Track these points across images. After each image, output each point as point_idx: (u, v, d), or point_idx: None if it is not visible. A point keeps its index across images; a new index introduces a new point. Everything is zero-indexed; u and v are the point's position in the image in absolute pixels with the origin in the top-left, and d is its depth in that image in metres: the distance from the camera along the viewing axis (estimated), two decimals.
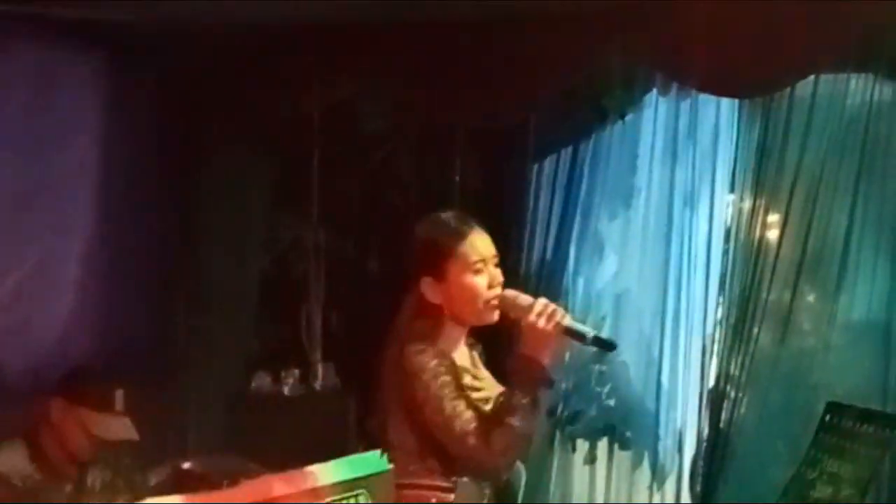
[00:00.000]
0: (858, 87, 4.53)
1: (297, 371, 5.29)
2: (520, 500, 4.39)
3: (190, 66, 4.92)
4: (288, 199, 5.48)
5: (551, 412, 5.10)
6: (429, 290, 2.79)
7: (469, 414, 2.71)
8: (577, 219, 5.05)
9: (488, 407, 2.78)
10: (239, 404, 5.28)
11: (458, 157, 5.12)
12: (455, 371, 2.77)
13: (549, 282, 5.00)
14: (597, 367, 5.08)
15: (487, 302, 2.80)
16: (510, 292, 2.81)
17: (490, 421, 2.72)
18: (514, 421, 2.70)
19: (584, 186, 5.02)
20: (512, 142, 5.08)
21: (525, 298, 2.78)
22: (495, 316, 2.82)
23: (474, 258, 2.79)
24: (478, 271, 2.79)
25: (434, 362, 2.73)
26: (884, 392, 4.50)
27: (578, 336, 2.78)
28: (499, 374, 2.96)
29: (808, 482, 3.88)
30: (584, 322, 4.94)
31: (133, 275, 4.98)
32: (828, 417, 4.00)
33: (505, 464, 2.75)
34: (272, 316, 5.46)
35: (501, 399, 2.77)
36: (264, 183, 5.48)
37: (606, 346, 3.10)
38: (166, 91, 5.00)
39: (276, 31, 4.85)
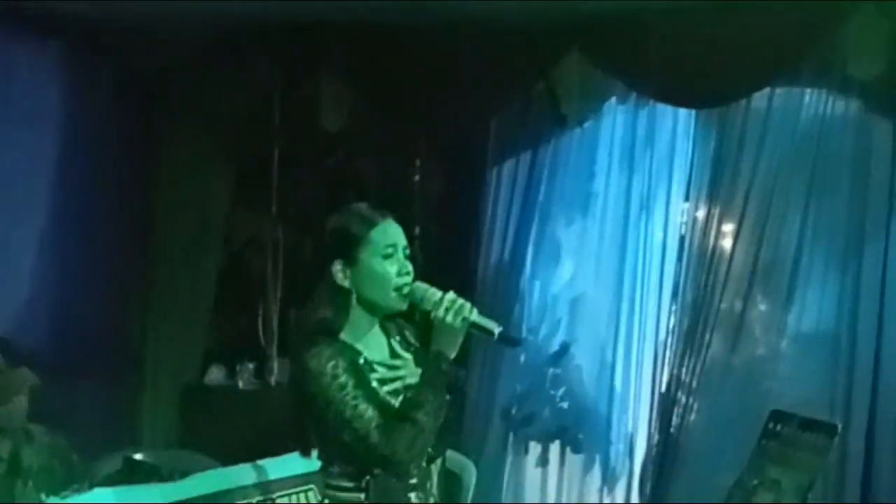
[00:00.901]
0: (812, 101, 4.60)
1: (252, 365, 5.32)
2: (470, 499, 4.47)
3: (149, 61, 4.93)
4: (247, 195, 5.50)
5: (505, 414, 5.15)
6: (339, 273, 2.82)
7: (370, 412, 2.71)
8: (535, 223, 5.09)
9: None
10: (193, 397, 5.30)
11: (418, 158, 5.17)
12: (356, 368, 2.79)
13: (505, 285, 5.05)
14: (551, 370, 5.13)
15: (398, 289, 2.83)
16: (421, 284, 2.83)
17: (396, 417, 2.75)
18: (419, 416, 2.71)
19: (542, 191, 5.07)
20: (472, 146, 5.13)
21: (434, 292, 2.79)
22: (404, 304, 2.85)
23: (385, 243, 2.83)
24: (388, 256, 2.82)
25: (331, 364, 2.72)
26: (831, 401, 4.57)
27: (486, 332, 2.81)
28: None
29: (750, 488, 3.93)
30: (539, 326, 5.13)
31: (90, 266, 4.98)
32: (771, 425, 4.06)
33: (410, 459, 2.77)
34: (229, 311, 5.47)
35: (408, 394, 2.80)
36: (223, 178, 5.47)
37: (512, 342, 3.13)
38: (125, 85, 5.00)
39: (238, 28, 4.86)
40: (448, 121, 4.91)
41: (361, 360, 2.80)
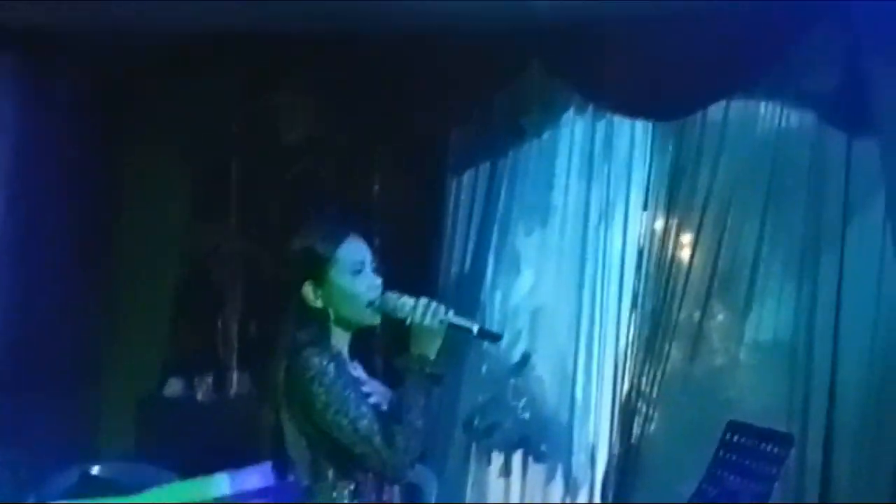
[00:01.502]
0: (768, 113, 4.67)
1: (210, 378, 5.30)
2: None
3: (108, 72, 4.91)
4: (207, 207, 5.48)
5: (467, 424, 5.16)
6: (310, 294, 2.86)
7: (372, 414, 2.78)
8: (495, 234, 5.10)
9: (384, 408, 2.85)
10: (151, 409, 5.28)
11: (377, 169, 5.18)
12: (349, 373, 2.84)
13: (466, 296, 5.06)
14: (513, 380, 5.14)
15: (370, 303, 2.87)
16: (392, 294, 2.87)
17: (391, 420, 2.79)
18: (412, 418, 2.77)
19: (501, 202, 5.08)
20: (432, 157, 5.13)
21: (407, 300, 2.84)
22: (377, 318, 2.89)
23: (352, 260, 2.87)
24: (356, 272, 2.86)
25: (332, 365, 2.79)
26: (789, 410, 4.61)
27: (465, 330, 2.85)
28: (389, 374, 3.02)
29: (708, 498, 3.97)
30: (500, 333, 5.14)
31: (47, 279, 4.95)
32: (728, 436, 4.10)
33: (408, 461, 2.82)
34: (187, 323, 5.45)
35: (398, 398, 2.84)
36: (183, 190, 5.46)
37: (492, 337, 3.17)
38: (83, 97, 4.98)
39: (198, 39, 4.85)
40: (408, 132, 4.92)
41: (352, 370, 2.85)
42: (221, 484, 3.66)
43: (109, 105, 5.07)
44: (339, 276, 2.84)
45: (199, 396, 5.24)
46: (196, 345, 5.39)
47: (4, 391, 3.80)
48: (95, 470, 3.86)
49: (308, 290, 2.84)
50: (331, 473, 2.83)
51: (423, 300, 2.81)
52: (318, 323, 2.85)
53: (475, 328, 2.86)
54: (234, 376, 5.27)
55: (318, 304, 2.85)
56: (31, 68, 4.79)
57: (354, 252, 2.88)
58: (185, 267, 5.51)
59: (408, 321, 2.81)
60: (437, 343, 2.82)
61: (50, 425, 4.41)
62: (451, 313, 2.82)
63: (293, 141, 5.19)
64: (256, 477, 3.68)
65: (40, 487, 3.88)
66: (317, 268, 2.84)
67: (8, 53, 4.65)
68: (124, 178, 5.29)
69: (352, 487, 2.82)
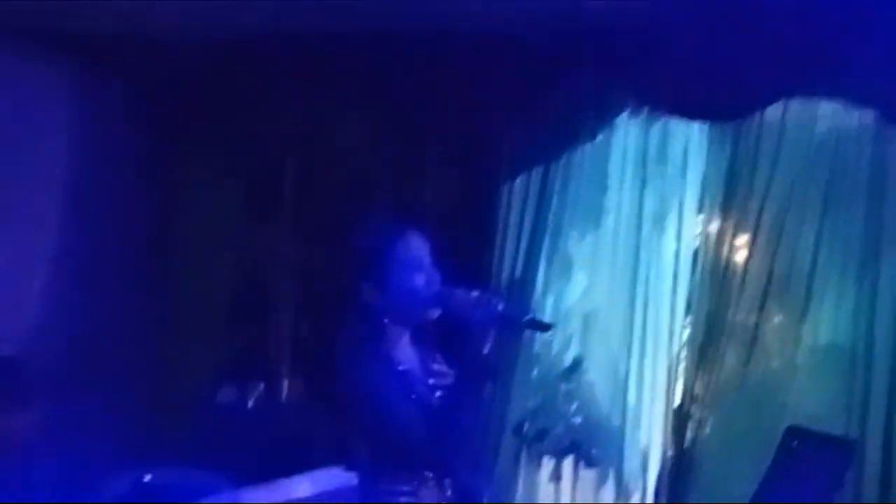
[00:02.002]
0: (827, 112, 4.59)
1: (262, 384, 5.29)
2: None
3: (161, 76, 4.91)
4: (260, 210, 5.48)
5: (518, 430, 5.12)
6: (369, 293, 2.84)
7: (415, 412, 2.78)
8: (547, 238, 5.04)
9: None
10: (203, 416, 5.27)
11: (429, 172, 5.14)
12: (400, 376, 2.83)
13: (518, 299, 4.99)
14: (564, 385, 5.10)
15: (426, 300, 2.86)
16: (445, 288, 2.87)
17: (438, 415, 2.79)
18: (459, 413, 2.77)
19: (554, 206, 5.02)
20: (483, 159, 5.09)
21: (459, 292, 2.84)
22: (435, 313, 2.88)
23: (410, 257, 2.85)
24: (414, 269, 2.85)
25: (375, 370, 2.78)
26: (847, 415, 4.54)
27: (514, 320, 2.86)
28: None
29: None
30: (552, 341, 5.11)
31: (102, 281, 4.97)
32: (787, 441, 4.04)
33: (453, 455, 2.82)
34: (241, 327, 5.45)
35: (449, 393, 2.85)
36: (237, 193, 5.45)
37: (542, 327, 3.18)
38: (137, 102, 5.00)
39: (252, 42, 4.85)
40: (460, 135, 4.88)
41: (402, 369, 2.84)
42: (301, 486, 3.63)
43: (162, 109, 5.07)
44: (398, 272, 2.83)
45: (252, 402, 5.23)
46: (250, 350, 5.38)
47: (58, 396, 3.78)
48: (148, 477, 3.84)
49: (366, 287, 2.83)
50: (393, 470, 2.83)
51: (475, 293, 2.81)
52: (373, 320, 2.85)
53: (525, 318, 2.87)
54: (287, 382, 5.26)
55: (377, 303, 2.84)
56: (86, 75, 4.81)
57: (412, 248, 2.87)
58: (238, 270, 5.51)
59: (461, 315, 2.82)
60: (489, 335, 2.82)
61: (102, 431, 4.41)
62: (501, 304, 2.82)
63: (345, 143, 5.17)
64: (312, 482, 3.65)
65: (92, 494, 3.87)
66: (375, 265, 2.83)
67: (63, 59, 4.67)
68: (178, 182, 5.29)
69: (409, 488, 2.83)
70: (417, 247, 2.91)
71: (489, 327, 2.83)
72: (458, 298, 2.86)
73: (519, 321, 2.89)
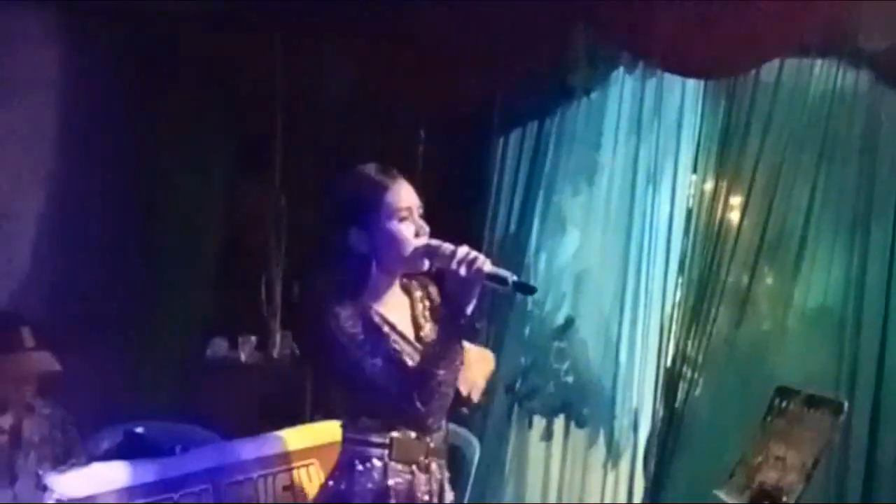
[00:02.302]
0: (822, 74, 4.56)
1: (254, 338, 5.28)
2: (473, 472, 4.46)
3: (151, 29, 4.86)
4: (249, 167, 5.44)
5: (509, 388, 5.13)
6: (356, 239, 2.81)
7: (390, 368, 2.76)
8: (541, 194, 5.04)
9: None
10: (195, 369, 5.27)
11: (421, 129, 5.11)
12: (374, 326, 2.80)
13: (511, 257, 4.99)
14: (556, 344, 5.11)
15: (415, 249, 2.82)
16: (434, 241, 2.82)
17: (415, 371, 2.77)
18: (437, 370, 2.75)
19: (548, 162, 5.01)
20: (477, 116, 5.06)
21: (447, 246, 2.79)
22: (425, 265, 2.84)
23: (400, 205, 2.81)
24: (403, 219, 2.81)
25: (349, 324, 2.76)
26: (837, 377, 4.55)
27: (500, 281, 2.80)
28: None
29: (754, 465, 3.91)
30: (545, 299, 5.10)
31: (90, 237, 4.94)
32: (776, 401, 4.03)
33: (429, 412, 2.79)
34: (231, 283, 5.42)
35: (427, 349, 2.82)
36: (226, 150, 5.41)
37: (527, 290, 3.10)
38: (125, 54, 4.94)
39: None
40: (453, 92, 4.84)
41: (379, 319, 2.81)
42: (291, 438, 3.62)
43: (150, 64, 5.02)
44: (386, 221, 2.80)
45: (243, 357, 5.22)
46: (239, 305, 5.37)
47: (50, 352, 3.77)
48: (140, 429, 3.82)
49: (353, 234, 2.80)
50: (365, 422, 2.82)
51: (463, 248, 2.77)
52: (358, 268, 2.82)
53: (511, 279, 2.81)
54: (278, 337, 5.26)
55: (363, 249, 2.81)
56: (75, 23, 4.74)
57: (402, 197, 2.83)
58: (227, 227, 5.48)
59: (446, 269, 2.78)
60: (474, 293, 2.78)
61: (94, 385, 4.39)
62: (488, 263, 2.78)
63: (336, 100, 5.13)
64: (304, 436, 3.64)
65: (86, 445, 3.88)
66: (363, 212, 2.80)
67: (52, 10, 4.61)
68: (165, 138, 5.25)
69: (387, 441, 2.81)
70: (408, 196, 2.86)
71: (474, 286, 2.78)
72: (445, 252, 2.81)
73: (505, 282, 2.82)
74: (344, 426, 2.86)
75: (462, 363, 2.81)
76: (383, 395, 2.75)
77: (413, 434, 2.83)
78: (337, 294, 2.78)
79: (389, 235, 2.80)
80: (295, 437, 3.52)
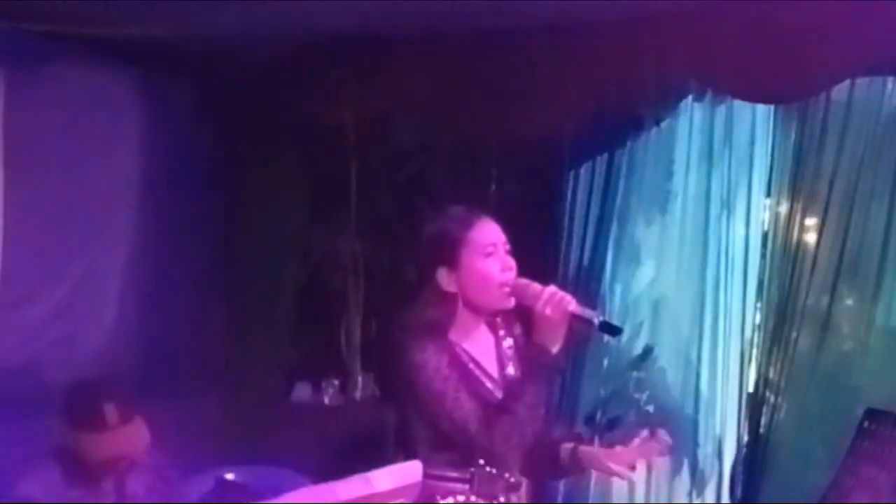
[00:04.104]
0: (894, 91, 4.52)
1: (336, 381, 5.33)
2: None
3: (224, 81, 4.95)
4: (324, 210, 5.51)
5: (589, 419, 5.11)
6: (444, 278, 2.84)
7: (471, 404, 2.78)
8: (614, 225, 5.03)
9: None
10: (280, 414, 5.31)
11: (493, 166, 5.14)
12: (459, 362, 2.82)
13: (586, 289, 4.98)
14: (635, 373, 5.07)
15: (501, 286, 2.85)
16: (522, 280, 2.86)
17: (497, 409, 2.78)
18: (517, 407, 2.76)
19: (620, 193, 5.00)
20: (547, 150, 5.08)
21: (535, 286, 2.83)
22: (511, 301, 2.87)
23: (485, 242, 2.85)
24: (489, 255, 2.85)
25: (434, 359, 2.79)
26: None
27: (586, 321, 2.82)
28: None
29: (846, 489, 3.87)
30: (621, 326, 5.07)
31: (173, 288, 5.03)
32: (865, 424, 4.00)
33: (507, 449, 2.81)
34: (311, 327, 5.48)
35: (510, 387, 2.84)
36: (301, 195, 5.49)
37: (613, 331, 3.06)
38: (200, 106, 5.05)
39: (310, 44, 4.87)
40: (522, 127, 4.85)
41: (465, 356, 2.84)
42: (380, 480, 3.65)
43: (225, 113, 5.12)
44: (472, 258, 2.84)
45: (326, 400, 5.27)
46: (320, 348, 5.42)
47: (138, 403, 3.81)
48: (230, 475, 3.88)
49: (442, 273, 2.83)
50: (441, 459, 2.84)
51: (550, 288, 2.80)
52: (447, 306, 2.85)
53: (597, 320, 2.83)
54: (359, 379, 5.29)
55: (451, 288, 2.84)
56: (152, 81, 4.87)
57: (486, 234, 2.87)
58: (305, 270, 5.54)
59: (533, 309, 2.80)
60: (560, 334, 2.80)
61: (181, 433, 4.44)
62: (574, 303, 2.80)
63: (407, 141, 5.19)
64: (400, 475, 3.66)
65: (176, 493, 3.92)
66: (450, 251, 2.84)
67: (134, 67, 4.72)
68: (242, 184, 5.33)
69: (468, 476, 2.83)
70: (492, 233, 2.91)
71: (560, 326, 2.80)
72: (532, 292, 2.84)
73: (591, 323, 2.84)
74: (425, 462, 2.89)
75: (544, 402, 2.83)
76: (463, 431, 2.78)
77: (493, 469, 2.85)
78: (424, 331, 2.82)
79: (475, 272, 2.85)
80: (382, 478, 3.54)
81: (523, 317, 2.95)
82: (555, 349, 2.81)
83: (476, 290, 2.87)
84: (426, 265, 2.88)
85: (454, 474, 2.87)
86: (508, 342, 3.02)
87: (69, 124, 4.55)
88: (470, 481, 2.86)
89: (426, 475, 2.86)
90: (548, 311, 2.77)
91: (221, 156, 5.25)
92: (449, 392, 2.79)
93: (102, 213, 4.76)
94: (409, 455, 2.93)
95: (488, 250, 2.86)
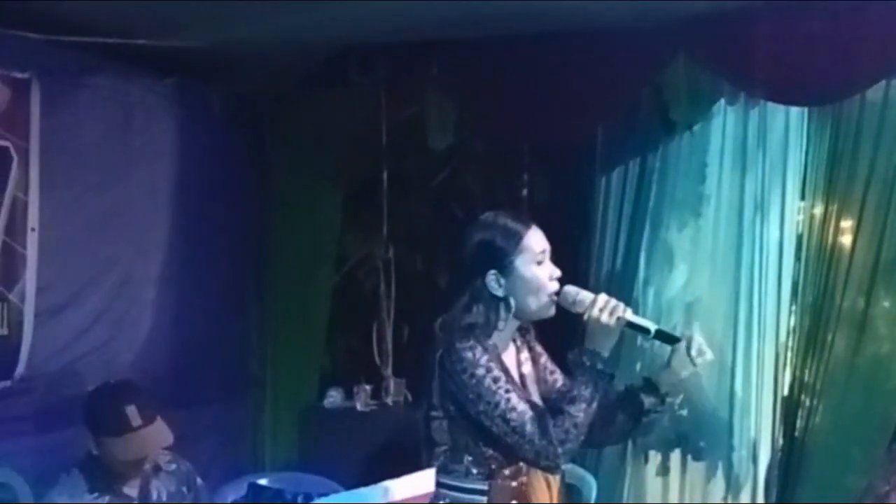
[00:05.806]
0: None
1: (368, 386, 5.34)
2: None
3: (258, 89, 5.00)
4: (357, 216, 5.54)
5: None
6: (494, 283, 2.85)
7: (523, 405, 2.78)
8: (647, 229, 5.01)
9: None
10: (312, 419, 5.34)
11: (525, 170, 5.14)
12: (503, 365, 2.85)
13: (619, 293, 4.88)
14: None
15: (550, 294, 2.87)
16: (571, 287, 2.87)
17: (549, 410, 2.79)
18: (574, 410, 2.76)
19: (652, 196, 4.98)
20: (580, 154, 5.08)
21: (587, 294, 2.84)
22: (553, 310, 2.89)
23: (538, 250, 2.87)
24: (540, 262, 2.87)
25: (485, 358, 2.79)
26: None
27: (642, 330, 2.84)
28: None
29: (882, 493, 3.83)
30: (679, 336, 5.04)
31: (208, 294, 5.08)
32: None
33: (563, 452, 2.80)
34: (343, 332, 5.51)
35: (563, 389, 2.85)
36: (334, 201, 5.52)
37: (670, 340, 3.03)
38: (235, 115, 5.10)
39: (343, 52, 4.90)
40: (554, 131, 4.85)
41: (505, 364, 2.88)
42: (378, 494, 3.67)
43: (260, 121, 5.17)
44: (524, 265, 2.86)
45: (359, 406, 5.28)
46: (353, 354, 5.44)
47: (172, 408, 3.84)
48: (263, 481, 3.90)
49: (491, 277, 2.85)
50: (466, 459, 2.84)
51: (603, 296, 2.81)
52: (493, 311, 2.86)
53: (653, 328, 2.84)
54: (392, 384, 5.31)
55: (500, 292, 2.86)
56: (188, 91, 4.92)
57: (538, 241, 2.90)
58: (338, 277, 5.57)
59: (585, 316, 2.81)
60: (612, 340, 2.82)
61: (213, 439, 4.48)
62: (629, 311, 2.81)
63: (440, 147, 5.19)
64: (415, 484, 3.68)
65: (211, 499, 3.94)
66: (503, 256, 2.86)
67: (170, 77, 4.77)
68: (276, 192, 5.38)
69: (485, 475, 2.83)
70: (542, 241, 2.93)
71: (613, 332, 2.81)
72: (585, 299, 2.85)
73: (647, 331, 2.85)
74: (440, 472, 2.89)
75: (595, 409, 2.83)
76: (517, 432, 2.77)
77: (513, 482, 2.84)
78: (470, 331, 2.83)
79: (527, 279, 2.87)
80: (415, 483, 3.56)
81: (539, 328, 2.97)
82: (606, 354, 2.83)
83: (525, 297, 2.89)
84: (474, 268, 2.89)
85: (470, 486, 2.86)
86: (525, 355, 3.03)
87: (105, 134, 4.60)
88: (486, 493, 2.86)
89: (439, 484, 2.89)
90: (604, 318, 2.79)
91: (255, 164, 5.30)
92: (501, 392, 2.78)
93: (139, 221, 4.81)
94: (428, 462, 2.94)
95: (539, 258, 2.89)
